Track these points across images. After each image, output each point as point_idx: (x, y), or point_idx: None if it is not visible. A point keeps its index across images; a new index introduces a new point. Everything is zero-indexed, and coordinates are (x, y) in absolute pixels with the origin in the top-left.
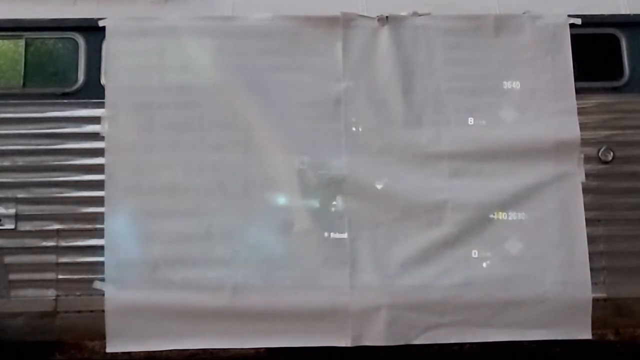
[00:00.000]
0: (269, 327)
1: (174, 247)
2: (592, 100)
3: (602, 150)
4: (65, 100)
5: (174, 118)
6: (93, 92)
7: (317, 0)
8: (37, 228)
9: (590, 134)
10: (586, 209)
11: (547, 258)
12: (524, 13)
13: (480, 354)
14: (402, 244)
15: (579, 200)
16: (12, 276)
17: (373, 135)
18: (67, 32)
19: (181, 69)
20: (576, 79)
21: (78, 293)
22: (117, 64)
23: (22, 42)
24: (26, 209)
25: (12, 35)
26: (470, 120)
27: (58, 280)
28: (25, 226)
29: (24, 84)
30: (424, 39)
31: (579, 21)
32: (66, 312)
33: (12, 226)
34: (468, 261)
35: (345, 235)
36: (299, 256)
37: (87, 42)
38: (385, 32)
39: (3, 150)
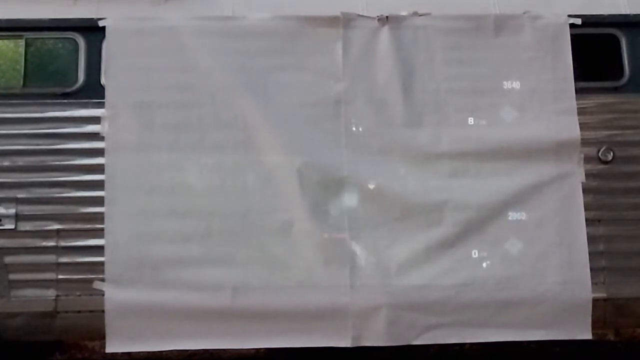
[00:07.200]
0: (269, 327)
1: (173, 247)
2: (592, 100)
3: (602, 150)
4: (65, 100)
5: (174, 118)
6: (93, 92)
7: (317, 0)
8: (37, 228)
9: (590, 134)
10: (586, 209)
11: (547, 258)
12: (524, 13)
13: (480, 354)
14: (402, 244)
15: (579, 200)
16: (12, 276)
17: (373, 135)
18: (67, 32)
19: (181, 69)
20: (576, 79)
21: (78, 293)
22: (117, 64)
23: (22, 42)
24: (26, 209)
25: (12, 35)
26: (470, 120)
27: (58, 280)
28: (25, 226)
29: (24, 84)
30: (424, 39)
31: (579, 21)
32: (66, 312)
33: (12, 226)
34: (468, 261)
35: (345, 235)
36: (299, 256)
37: (87, 42)
38: (385, 32)
39: (3, 150)
